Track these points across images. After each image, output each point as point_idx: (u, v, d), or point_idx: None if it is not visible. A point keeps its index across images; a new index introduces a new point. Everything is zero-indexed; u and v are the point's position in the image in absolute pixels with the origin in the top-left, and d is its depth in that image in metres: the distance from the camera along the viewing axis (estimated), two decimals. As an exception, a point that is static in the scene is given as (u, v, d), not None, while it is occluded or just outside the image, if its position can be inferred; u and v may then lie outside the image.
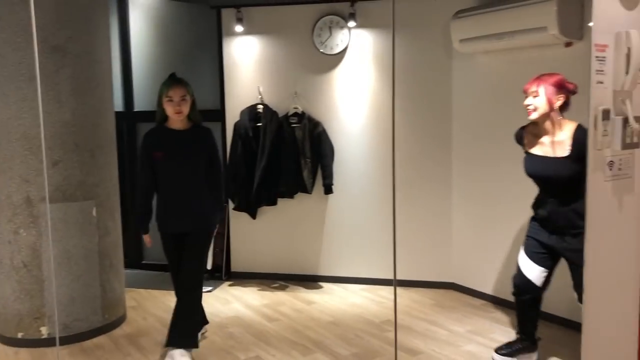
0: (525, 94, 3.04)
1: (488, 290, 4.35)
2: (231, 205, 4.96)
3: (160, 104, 3.19)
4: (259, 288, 4.81)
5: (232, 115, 4.92)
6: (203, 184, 3.31)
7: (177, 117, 3.18)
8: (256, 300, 4.51)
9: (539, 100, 2.96)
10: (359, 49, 4.67)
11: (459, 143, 4.51)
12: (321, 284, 4.84)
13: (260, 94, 4.82)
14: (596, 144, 2.02)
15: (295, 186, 4.72)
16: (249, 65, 4.89)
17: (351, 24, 4.57)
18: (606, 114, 2.07)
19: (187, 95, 3.19)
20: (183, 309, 3.34)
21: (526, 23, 3.59)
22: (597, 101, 2.00)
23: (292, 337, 3.76)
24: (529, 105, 3.00)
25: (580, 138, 2.69)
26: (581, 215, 2.24)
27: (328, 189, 4.70)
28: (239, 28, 4.78)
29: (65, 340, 3.61)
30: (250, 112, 4.81)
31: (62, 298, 3.62)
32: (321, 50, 4.68)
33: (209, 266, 5.04)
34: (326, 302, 4.43)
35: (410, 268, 4.73)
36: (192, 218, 3.28)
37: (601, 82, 2.01)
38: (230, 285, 4.93)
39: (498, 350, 3.31)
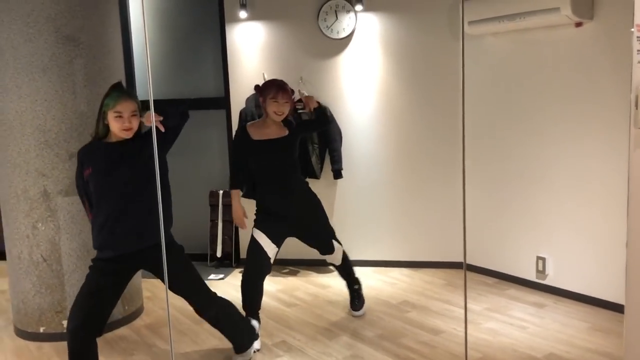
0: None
1: (499, 268, 4.44)
2: (239, 192, 4.96)
3: (103, 119, 2.75)
4: (270, 274, 4.82)
5: (237, 102, 4.90)
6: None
7: (125, 134, 2.75)
8: (270, 286, 4.53)
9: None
10: (366, 33, 4.67)
11: (467, 124, 4.55)
12: (332, 267, 4.87)
13: (265, 79, 4.79)
14: (637, 122, 2.08)
15: (304, 171, 4.73)
16: (253, 51, 4.86)
17: (358, 7, 4.56)
18: (647, 93, 2.12)
19: (137, 110, 2.76)
20: (230, 317, 3.14)
21: (539, 4, 3.63)
22: (638, 80, 2.06)
23: (313, 322, 3.80)
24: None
25: None
26: None
27: (337, 174, 4.73)
28: (242, 14, 4.74)
29: (88, 333, 3.60)
30: (256, 99, 4.78)
31: (83, 291, 3.59)
32: (327, 35, 4.67)
33: (218, 254, 5.05)
34: (340, 285, 4.46)
35: (418, 249, 4.80)
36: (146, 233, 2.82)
37: (641, 62, 2.06)
38: (240, 272, 4.94)
39: None
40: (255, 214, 3.60)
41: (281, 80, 3.50)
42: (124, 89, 2.81)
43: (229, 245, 5.09)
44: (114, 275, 2.82)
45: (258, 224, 3.54)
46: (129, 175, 2.75)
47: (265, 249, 3.49)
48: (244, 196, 4.86)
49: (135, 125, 2.75)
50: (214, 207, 5.09)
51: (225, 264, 5.09)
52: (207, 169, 5.23)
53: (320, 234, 3.69)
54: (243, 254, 5.12)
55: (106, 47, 3.63)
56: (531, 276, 4.19)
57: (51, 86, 3.41)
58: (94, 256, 3.55)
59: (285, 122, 3.54)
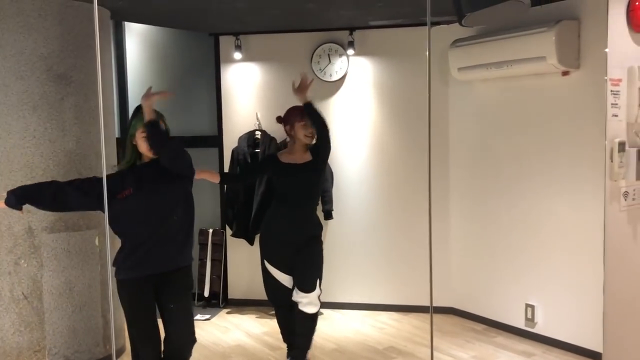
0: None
1: (488, 314, 4.38)
2: (229, 231, 4.94)
3: (131, 142, 2.74)
4: (257, 315, 4.77)
5: (230, 141, 4.93)
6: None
7: (153, 153, 2.73)
8: (256, 328, 4.47)
9: None
10: (358, 76, 4.73)
11: (456, 168, 4.56)
12: (320, 310, 4.81)
13: (258, 120, 4.84)
14: (612, 175, 2.07)
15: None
16: (247, 91, 4.91)
17: (350, 51, 4.63)
18: (622, 146, 2.13)
19: (164, 126, 2.80)
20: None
21: (525, 52, 3.68)
22: (612, 134, 2.06)
23: (297, 366, 3.72)
24: None
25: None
26: None
27: (328, 215, 4.71)
28: (237, 55, 4.81)
29: (66, 373, 3.55)
30: (249, 138, 4.82)
31: (63, 329, 3.55)
32: (320, 77, 4.72)
33: (206, 293, 5.00)
34: (327, 328, 4.41)
35: (408, 293, 4.74)
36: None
37: (616, 115, 2.07)
38: (228, 312, 4.89)
39: None
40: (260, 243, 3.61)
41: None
42: None
43: (217, 284, 5.04)
44: (149, 293, 2.80)
45: (266, 255, 3.54)
46: (166, 196, 2.76)
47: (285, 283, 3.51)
48: (233, 235, 4.86)
49: None
50: (203, 245, 5.06)
51: (212, 303, 5.03)
52: (197, 207, 5.16)
53: (309, 268, 3.54)
54: (232, 294, 5.08)
55: (97, 85, 3.67)
56: (520, 324, 4.12)
57: (40, 124, 3.44)
58: (77, 294, 3.58)
59: (310, 147, 3.60)
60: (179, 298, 2.85)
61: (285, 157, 3.55)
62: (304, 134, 3.49)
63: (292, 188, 3.52)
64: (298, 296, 3.44)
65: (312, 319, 3.50)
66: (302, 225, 3.54)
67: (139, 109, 2.77)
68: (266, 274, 3.55)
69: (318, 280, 3.51)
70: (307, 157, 3.56)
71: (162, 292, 2.81)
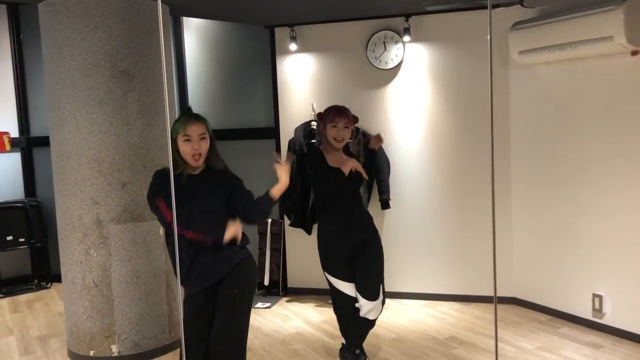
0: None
1: (553, 304, 4.25)
2: (287, 221, 5.00)
3: (176, 148, 2.62)
4: (316, 304, 4.81)
5: (286, 132, 4.97)
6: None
7: (194, 161, 2.62)
8: (315, 317, 4.51)
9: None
10: (414, 63, 4.66)
11: (517, 155, 4.44)
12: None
13: (314, 110, 4.85)
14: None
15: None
16: (302, 82, 4.93)
17: (406, 38, 4.57)
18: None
19: (207, 132, 2.66)
20: None
21: (591, 32, 3.53)
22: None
23: (357, 355, 3.74)
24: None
25: None
26: None
27: (385, 204, 4.69)
28: (292, 46, 4.84)
29: (135, 358, 3.68)
30: (305, 129, 4.85)
31: (131, 316, 3.69)
32: (375, 65, 4.69)
33: (265, 282, 5.08)
34: (387, 318, 4.39)
35: (469, 283, 4.66)
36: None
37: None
38: (287, 301, 4.95)
39: None
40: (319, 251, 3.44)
41: (342, 106, 3.34)
42: (192, 112, 2.71)
43: (276, 273, 5.11)
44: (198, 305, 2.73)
45: (328, 267, 3.38)
46: (209, 214, 2.63)
47: (347, 292, 3.37)
48: (291, 225, 4.91)
49: (204, 148, 2.63)
50: (262, 235, 5.14)
51: (273, 292, 5.11)
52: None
53: (370, 275, 3.37)
54: (291, 282, 5.14)
55: (159, 80, 3.78)
56: (587, 314, 3.98)
57: (106, 118, 3.57)
58: (143, 282, 3.71)
59: (347, 152, 3.39)
60: (223, 306, 2.68)
61: (331, 160, 3.31)
62: (333, 137, 3.26)
63: (338, 192, 3.31)
64: (361, 303, 3.31)
65: (373, 323, 3.42)
66: (356, 226, 3.37)
67: (182, 112, 2.73)
68: (329, 283, 3.42)
69: (381, 286, 3.36)
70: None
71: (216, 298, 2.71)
